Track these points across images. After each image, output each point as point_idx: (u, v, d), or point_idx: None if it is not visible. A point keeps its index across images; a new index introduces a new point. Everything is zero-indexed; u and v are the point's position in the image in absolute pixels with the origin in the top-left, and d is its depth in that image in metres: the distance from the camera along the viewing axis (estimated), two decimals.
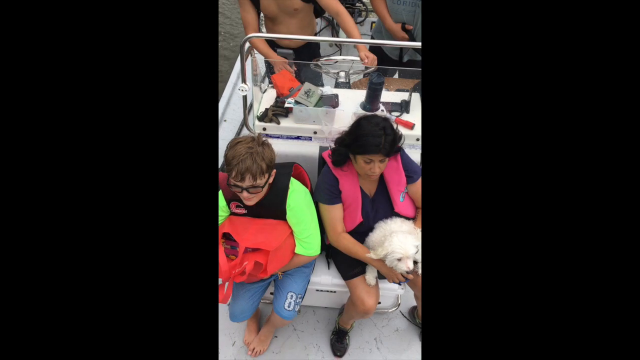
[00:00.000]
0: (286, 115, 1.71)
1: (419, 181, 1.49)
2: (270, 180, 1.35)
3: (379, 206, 1.50)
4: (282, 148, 1.62)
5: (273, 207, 1.40)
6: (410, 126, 1.69)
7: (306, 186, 1.51)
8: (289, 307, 1.53)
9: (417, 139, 1.68)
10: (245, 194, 1.31)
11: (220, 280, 1.34)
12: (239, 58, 3.08)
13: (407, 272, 1.37)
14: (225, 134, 2.61)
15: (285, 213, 1.41)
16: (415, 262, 1.38)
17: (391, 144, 1.32)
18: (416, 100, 1.76)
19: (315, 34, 2.29)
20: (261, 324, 1.90)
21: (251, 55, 1.72)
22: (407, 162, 1.49)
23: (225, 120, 2.73)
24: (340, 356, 1.82)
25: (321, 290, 1.73)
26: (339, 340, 1.83)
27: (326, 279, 1.66)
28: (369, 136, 1.31)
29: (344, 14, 1.89)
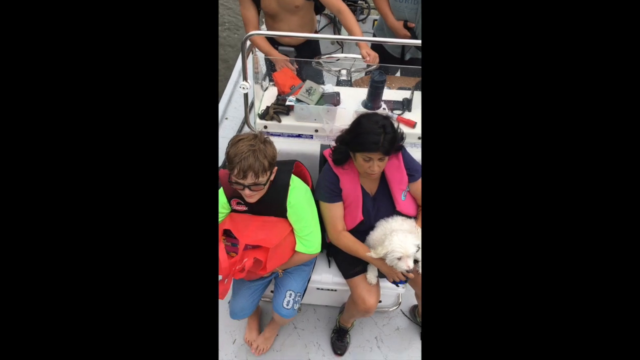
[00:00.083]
0: (287, 113, 1.71)
1: (421, 180, 1.49)
2: (272, 177, 1.35)
3: (380, 205, 1.49)
4: (283, 146, 1.62)
5: (274, 205, 1.40)
6: (412, 124, 1.68)
7: (307, 184, 1.51)
8: (287, 305, 1.53)
9: (419, 138, 1.67)
10: (247, 191, 1.30)
11: (220, 277, 1.34)
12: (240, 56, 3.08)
13: (407, 271, 1.37)
14: (227, 132, 2.61)
15: (286, 210, 1.41)
16: (415, 261, 1.38)
17: (390, 143, 1.31)
18: (418, 98, 1.75)
19: (316, 32, 2.28)
20: (262, 322, 1.90)
21: (252, 53, 1.71)
22: (408, 160, 1.48)
23: (226, 118, 2.72)
24: (341, 354, 1.82)
25: (322, 289, 1.72)
26: (339, 338, 1.83)
27: (327, 277, 1.66)
28: (368, 134, 1.30)
29: (346, 12, 1.88)
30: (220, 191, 1.44)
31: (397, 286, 1.51)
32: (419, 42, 1.75)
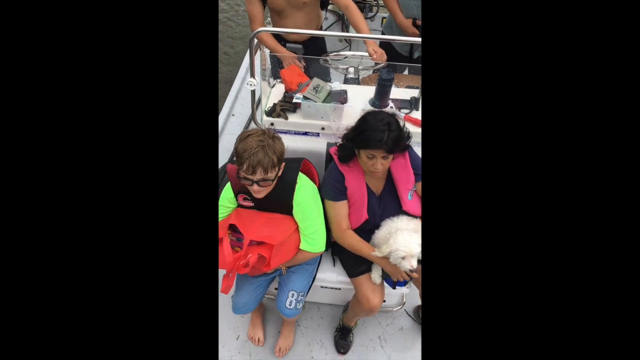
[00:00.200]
0: (294, 111, 1.70)
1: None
2: (280, 173, 1.35)
3: (386, 204, 1.49)
4: (289, 143, 1.62)
5: (280, 202, 1.40)
6: (419, 123, 1.67)
7: (314, 182, 1.50)
8: (290, 305, 1.53)
9: None
10: (255, 187, 1.30)
11: (224, 271, 1.35)
12: (248, 53, 3.08)
13: (411, 271, 1.36)
14: (234, 128, 2.61)
15: (292, 208, 1.41)
16: (419, 261, 1.37)
17: (395, 141, 1.30)
18: None
19: (321, 28, 2.27)
20: (265, 318, 1.90)
21: (260, 50, 1.71)
22: (415, 159, 1.47)
23: (233, 115, 2.72)
24: (344, 353, 1.82)
25: (326, 287, 1.72)
26: (342, 337, 1.83)
27: (331, 276, 1.66)
28: (373, 131, 1.30)
29: (353, 8, 1.87)
30: (228, 186, 1.44)
31: (394, 288, 1.51)
32: None
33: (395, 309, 1.95)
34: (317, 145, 1.69)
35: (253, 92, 1.64)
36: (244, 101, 2.80)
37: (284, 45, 1.97)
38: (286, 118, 1.68)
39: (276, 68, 1.85)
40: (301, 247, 1.44)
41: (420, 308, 1.95)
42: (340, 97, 1.67)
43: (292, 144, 1.64)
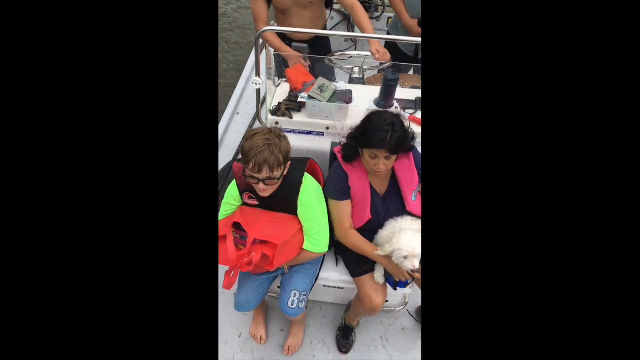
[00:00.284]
0: (299, 110, 1.71)
1: None
2: (285, 172, 1.35)
3: (390, 204, 1.49)
4: (293, 142, 1.62)
5: (285, 201, 1.41)
6: None
7: (319, 182, 1.51)
8: (292, 305, 1.53)
9: None
10: (261, 185, 1.31)
11: (227, 267, 1.36)
12: (253, 51, 3.09)
13: (413, 271, 1.36)
14: (238, 127, 2.62)
15: (296, 208, 1.41)
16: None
17: (398, 142, 1.30)
18: None
19: (325, 27, 2.27)
20: (268, 317, 1.91)
21: (266, 49, 1.71)
22: (420, 160, 1.47)
23: (238, 113, 2.73)
24: (346, 352, 1.83)
25: (329, 286, 1.72)
26: (344, 336, 1.84)
27: (334, 275, 1.66)
28: (376, 130, 1.30)
29: (358, 8, 1.87)
30: (233, 184, 1.45)
31: (395, 289, 1.51)
32: None
33: (397, 309, 1.95)
34: (322, 145, 1.69)
35: (258, 91, 1.65)
36: (248, 100, 2.81)
37: (289, 45, 1.98)
38: (291, 117, 1.68)
39: (281, 67, 1.86)
40: (304, 247, 1.45)
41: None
42: (345, 97, 1.67)
43: (297, 143, 1.65)
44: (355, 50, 2.82)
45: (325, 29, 2.26)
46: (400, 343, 1.87)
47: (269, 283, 1.62)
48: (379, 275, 1.52)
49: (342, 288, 1.73)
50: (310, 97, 1.65)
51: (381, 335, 1.89)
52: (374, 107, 1.67)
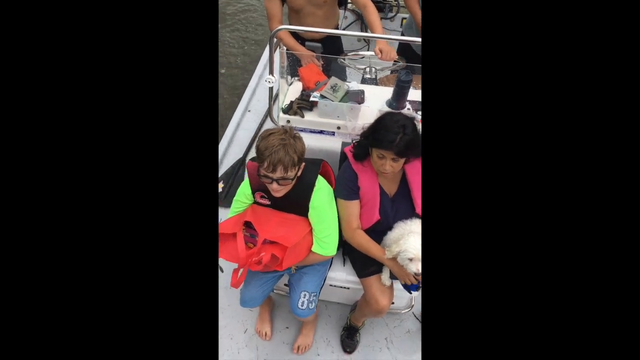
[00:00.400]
0: (311, 109, 1.71)
1: None
2: (299, 173, 1.36)
3: (399, 206, 1.48)
4: (304, 141, 1.63)
5: (298, 202, 1.41)
6: None
7: (331, 184, 1.51)
8: (302, 306, 1.54)
9: None
10: (274, 185, 1.31)
11: (235, 265, 1.37)
12: (266, 49, 3.09)
13: (416, 274, 1.36)
14: (249, 124, 2.63)
15: (307, 210, 1.41)
16: None
17: (407, 145, 1.30)
18: None
19: (338, 27, 2.27)
20: (273, 314, 1.92)
21: (280, 48, 1.72)
22: None
23: (249, 111, 2.74)
24: (350, 352, 1.83)
25: (335, 286, 1.73)
26: (349, 336, 1.84)
27: (341, 275, 1.66)
28: (386, 131, 1.30)
29: (370, 7, 1.87)
30: (246, 182, 1.46)
31: (410, 292, 1.50)
32: None
33: (403, 312, 1.94)
34: (332, 144, 1.69)
35: (271, 89, 1.65)
36: (260, 97, 2.82)
37: (303, 44, 1.98)
38: (302, 116, 1.69)
39: (294, 66, 1.86)
40: (313, 249, 1.45)
41: None
42: (358, 97, 1.67)
43: (308, 141, 1.64)
44: (368, 50, 2.81)
45: (337, 28, 2.25)
46: (405, 345, 1.86)
47: (274, 281, 1.63)
48: (386, 277, 1.52)
49: (349, 288, 1.73)
50: (322, 96, 1.65)
51: (386, 337, 1.89)
52: (386, 108, 1.67)
